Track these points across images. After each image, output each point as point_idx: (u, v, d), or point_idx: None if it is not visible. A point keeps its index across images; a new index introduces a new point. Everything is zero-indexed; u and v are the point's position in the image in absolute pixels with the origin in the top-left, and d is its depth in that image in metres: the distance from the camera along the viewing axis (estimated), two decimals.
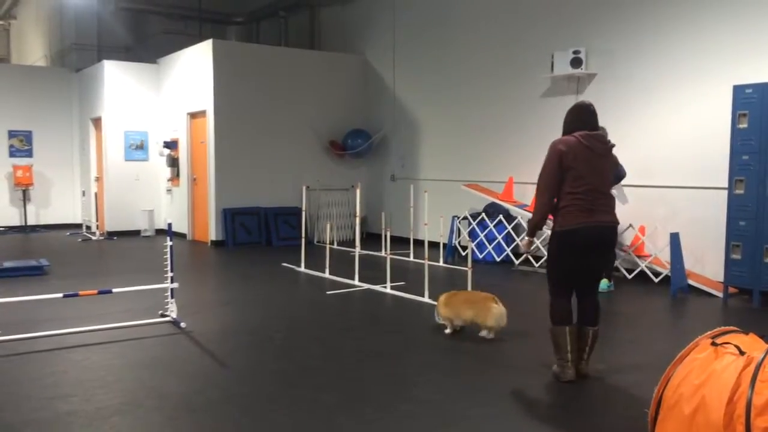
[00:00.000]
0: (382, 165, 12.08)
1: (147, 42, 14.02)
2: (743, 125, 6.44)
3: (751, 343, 2.74)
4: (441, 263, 8.98)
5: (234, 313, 6.06)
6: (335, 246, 10.89)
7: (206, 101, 10.97)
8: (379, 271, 8.19)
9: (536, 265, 8.79)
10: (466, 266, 6.21)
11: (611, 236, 4.11)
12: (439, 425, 3.45)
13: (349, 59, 12.21)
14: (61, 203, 13.80)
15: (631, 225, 7.82)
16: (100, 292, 5.60)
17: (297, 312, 6.10)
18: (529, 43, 9.21)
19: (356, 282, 7.46)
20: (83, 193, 13.31)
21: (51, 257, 9.32)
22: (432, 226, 10.24)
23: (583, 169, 4.02)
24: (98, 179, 12.99)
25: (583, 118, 4.13)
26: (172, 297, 5.72)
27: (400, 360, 4.60)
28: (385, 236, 8.10)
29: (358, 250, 7.77)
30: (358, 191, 7.94)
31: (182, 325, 5.49)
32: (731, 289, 6.82)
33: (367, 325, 5.59)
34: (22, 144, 13.29)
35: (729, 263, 6.63)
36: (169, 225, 5.65)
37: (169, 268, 5.65)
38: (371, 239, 11.83)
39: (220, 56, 10.82)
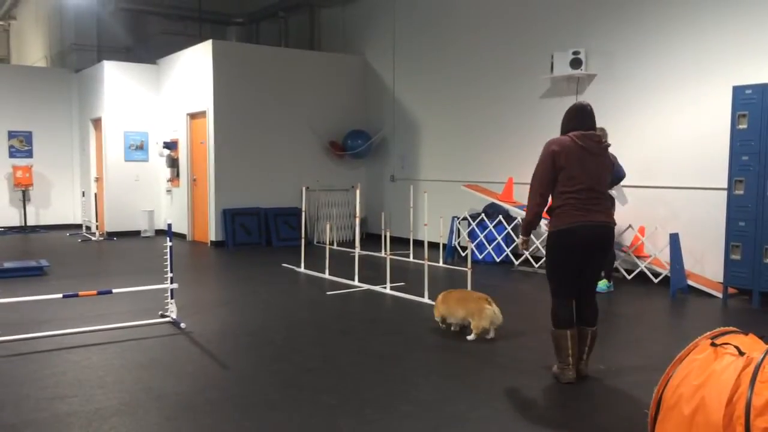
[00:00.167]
0: (382, 165, 12.08)
1: (147, 42, 14.02)
2: (743, 126, 6.44)
3: (750, 343, 2.74)
4: (441, 264, 8.98)
5: (234, 313, 6.06)
6: (335, 246, 10.89)
7: (206, 102, 10.97)
8: (379, 272, 8.20)
9: (536, 265, 8.80)
10: (466, 267, 6.21)
11: (607, 236, 4.09)
12: (439, 426, 3.46)
13: (349, 60, 12.21)
14: (60, 204, 13.80)
15: (630, 226, 7.82)
16: (99, 293, 5.60)
17: (297, 313, 6.10)
18: (528, 44, 9.22)
19: (356, 282, 7.46)
20: (83, 194, 13.31)
21: (51, 258, 9.32)
22: (432, 227, 10.25)
23: (577, 168, 4.03)
24: (98, 180, 12.99)
25: (579, 118, 4.14)
26: (171, 297, 5.72)
27: (400, 361, 4.60)
28: (385, 237, 8.10)
29: (357, 251, 7.77)
30: (357, 192, 7.94)
31: (182, 325, 5.49)
32: (731, 290, 6.82)
33: (367, 326, 5.59)
34: (21, 144, 13.29)
35: (728, 264, 6.63)
36: (169, 225, 5.65)
37: (168, 268, 5.65)
38: (371, 240, 11.83)
39: (219, 57, 10.83)
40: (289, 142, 11.56)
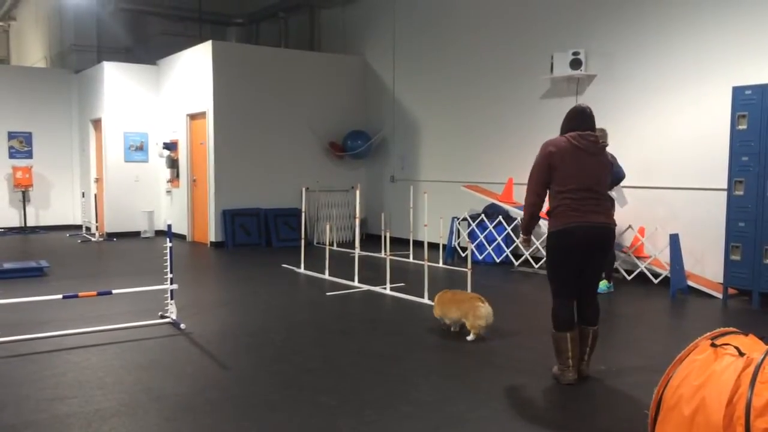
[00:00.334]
0: (382, 166, 12.08)
1: (147, 43, 14.02)
2: (743, 126, 6.44)
3: (750, 344, 2.74)
4: (441, 264, 8.97)
5: (234, 314, 6.06)
6: (335, 247, 10.89)
7: (206, 102, 10.97)
8: (379, 273, 8.19)
9: (536, 266, 8.80)
10: (466, 267, 6.21)
11: (606, 237, 4.08)
12: (439, 426, 3.45)
13: (349, 60, 12.22)
14: (60, 204, 13.79)
15: (630, 226, 7.82)
16: (99, 294, 5.59)
17: (297, 313, 6.10)
18: (528, 44, 9.22)
19: (356, 283, 7.46)
20: (83, 195, 13.30)
21: (50, 258, 9.32)
22: (432, 227, 10.25)
23: (572, 168, 4.03)
24: (98, 180, 12.99)
25: (578, 120, 4.15)
26: (171, 298, 5.72)
27: (399, 361, 4.60)
28: (385, 237, 8.10)
29: (357, 252, 7.77)
30: (357, 192, 7.94)
31: (182, 326, 5.49)
32: (731, 291, 6.82)
33: (367, 327, 5.59)
34: (21, 145, 13.28)
35: (728, 264, 6.63)
36: (169, 226, 5.65)
37: (168, 269, 5.65)
38: (371, 240, 11.83)
39: (219, 57, 10.83)
40: (289, 143, 11.56)
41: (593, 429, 3.44)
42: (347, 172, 12.23)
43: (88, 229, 12.78)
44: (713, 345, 2.75)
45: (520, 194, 9.22)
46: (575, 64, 8.31)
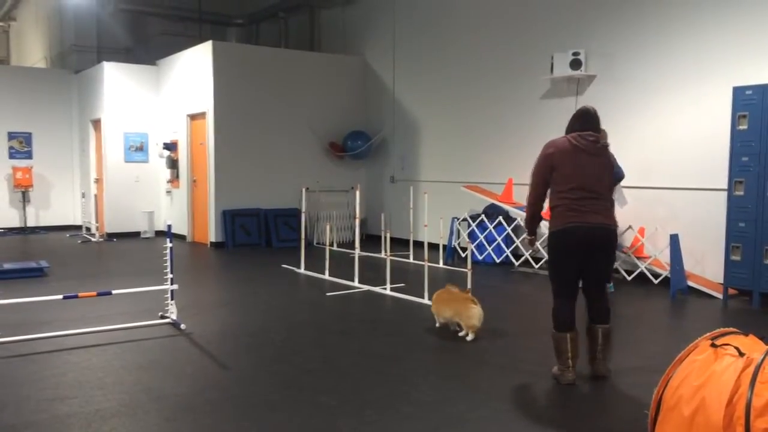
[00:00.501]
0: (382, 166, 12.08)
1: (147, 43, 14.02)
2: (743, 127, 6.44)
3: (750, 344, 2.74)
4: (441, 265, 8.97)
5: (234, 314, 6.06)
6: (335, 247, 10.89)
7: (206, 103, 10.97)
8: (379, 273, 8.19)
9: (536, 266, 8.80)
10: (466, 268, 6.21)
11: (606, 238, 4.07)
12: (439, 426, 3.45)
13: (349, 61, 12.22)
14: (60, 205, 13.79)
15: (630, 226, 7.82)
16: (99, 294, 5.59)
17: (297, 314, 6.10)
18: (528, 44, 9.22)
19: (356, 283, 7.46)
20: (83, 195, 13.31)
21: (51, 259, 9.32)
22: (432, 228, 10.25)
23: (571, 169, 4.05)
24: (98, 181, 12.99)
25: (582, 121, 4.18)
26: (171, 298, 5.72)
27: (399, 361, 4.60)
28: (385, 238, 8.10)
29: (357, 252, 7.77)
30: (357, 193, 7.94)
31: (182, 326, 5.49)
32: (731, 291, 6.82)
33: (367, 327, 5.59)
34: (21, 146, 13.28)
35: (729, 265, 6.63)
36: (169, 226, 5.65)
37: (168, 269, 5.65)
38: (371, 241, 11.83)
39: (219, 58, 10.83)
40: (289, 143, 11.56)
41: (593, 429, 3.44)
42: (347, 173, 12.23)
43: (88, 229, 12.78)
44: (713, 345, 2.75)
45: (520, 195, 9.22)
46: (575, 64, 8.31)
